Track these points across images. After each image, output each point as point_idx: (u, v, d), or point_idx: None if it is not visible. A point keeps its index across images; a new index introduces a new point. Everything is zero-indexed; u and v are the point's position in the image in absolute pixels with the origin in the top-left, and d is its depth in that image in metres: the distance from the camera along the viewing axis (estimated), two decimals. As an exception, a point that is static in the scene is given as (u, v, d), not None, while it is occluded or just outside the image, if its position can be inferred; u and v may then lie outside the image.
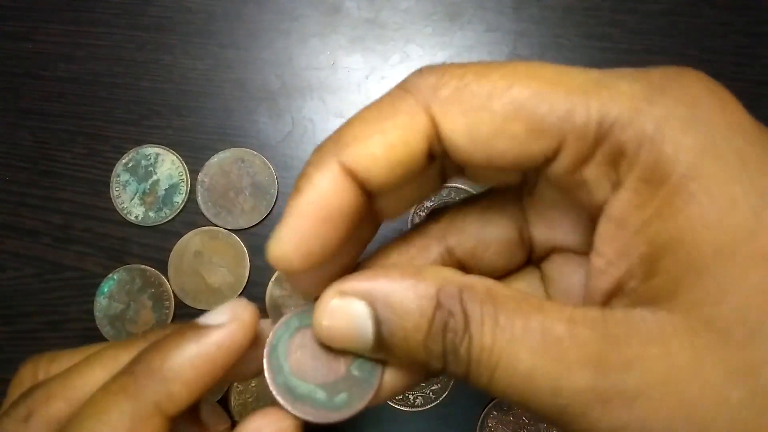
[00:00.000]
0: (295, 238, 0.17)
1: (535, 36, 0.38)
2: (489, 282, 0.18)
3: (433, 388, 0.35)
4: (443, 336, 0.18)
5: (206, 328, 0.20)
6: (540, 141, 0.16)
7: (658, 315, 0.15)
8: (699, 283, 0.15)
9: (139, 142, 0.38)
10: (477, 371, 0.17)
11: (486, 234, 0.21)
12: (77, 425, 0.18)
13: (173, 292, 0.37)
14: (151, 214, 0.38)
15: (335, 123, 0.38)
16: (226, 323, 0.20)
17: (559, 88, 0.16)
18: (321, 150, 0.17)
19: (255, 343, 0.20)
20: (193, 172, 0.38)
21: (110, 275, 0.37)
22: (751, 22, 0.38)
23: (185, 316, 0.37)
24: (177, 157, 0.38)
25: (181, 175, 0.38)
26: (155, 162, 0.38)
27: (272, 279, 0.36)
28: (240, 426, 0.19)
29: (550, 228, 0.20)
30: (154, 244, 0.38)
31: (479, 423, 0.35)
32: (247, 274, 0.37)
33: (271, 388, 0.19)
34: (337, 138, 0.17)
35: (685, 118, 0.15)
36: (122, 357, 0.21)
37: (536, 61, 0.17)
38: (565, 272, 0.20)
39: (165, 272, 0.37)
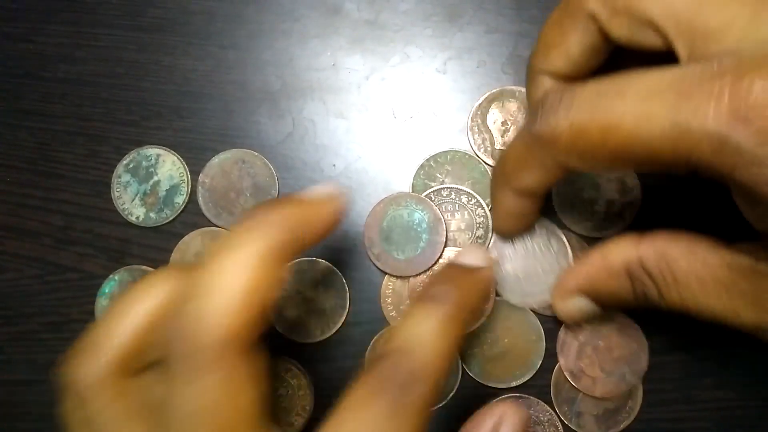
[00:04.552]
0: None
1: (536, 37, 0.38)
2: (660, 243, 0.24)
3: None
4: (645, 298, 0.25)
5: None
6: None
7: None
8: None
9: (140, 143, 0.38)
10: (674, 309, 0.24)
11: None
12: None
13: (174, 293, 0.37)
14: (152, 215, 0.38)
15: (336, 123, 0.38)
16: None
17: None
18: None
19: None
20: (194, 173, 0.38)
21: (111, 276, 0.37)
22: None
23: (186, 316, 0.37)
24: (178, 157, 0.38)
25: (182, 176, 0.38)
26: (156, 163, 0.38)
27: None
28: (481, 411, 0.24)
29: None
30: (155, 245, 0.38)
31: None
32: (248, 275, 0.37)
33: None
34: None
35: None
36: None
37: None
38: None
39: (166, 273, 0.37)
